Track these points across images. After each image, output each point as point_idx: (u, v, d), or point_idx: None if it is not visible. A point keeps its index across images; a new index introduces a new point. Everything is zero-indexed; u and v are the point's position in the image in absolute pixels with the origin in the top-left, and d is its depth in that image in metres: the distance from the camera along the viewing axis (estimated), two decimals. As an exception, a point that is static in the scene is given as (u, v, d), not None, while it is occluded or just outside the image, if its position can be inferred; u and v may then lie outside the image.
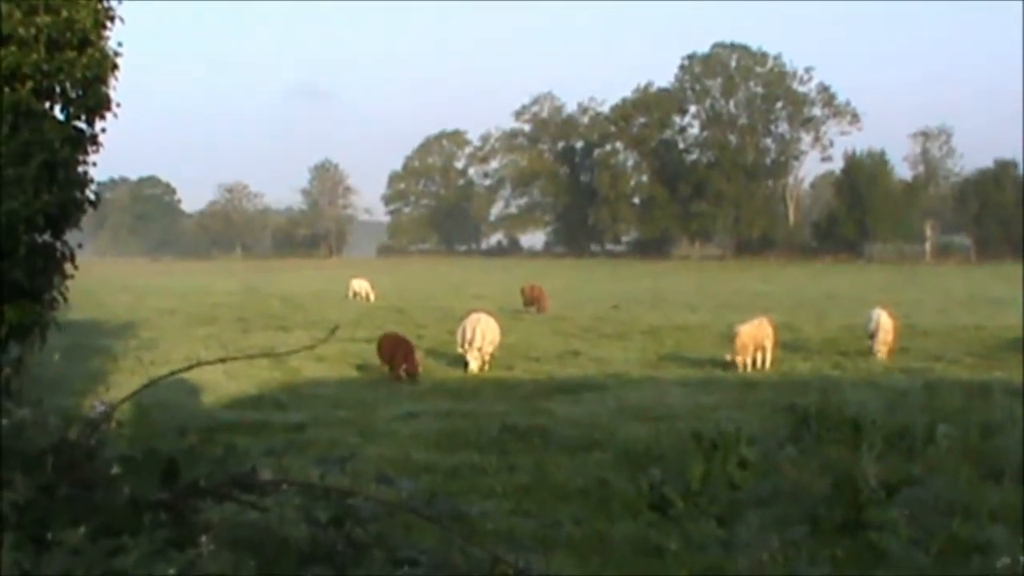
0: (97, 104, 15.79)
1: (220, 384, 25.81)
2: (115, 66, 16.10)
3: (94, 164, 16.26)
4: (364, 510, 5.61)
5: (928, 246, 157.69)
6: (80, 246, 16.61)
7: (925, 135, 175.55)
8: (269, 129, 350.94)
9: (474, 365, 30.63)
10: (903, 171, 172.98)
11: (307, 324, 45.65)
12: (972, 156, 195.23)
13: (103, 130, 16.09)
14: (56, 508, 5.01)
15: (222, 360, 7.05)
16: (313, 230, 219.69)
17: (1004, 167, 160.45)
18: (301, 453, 16.07)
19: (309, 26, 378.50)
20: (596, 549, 12.03)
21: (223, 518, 5.15)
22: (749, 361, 30.99)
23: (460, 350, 31.07)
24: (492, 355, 32.28)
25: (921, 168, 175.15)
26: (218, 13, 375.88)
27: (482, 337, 31.34)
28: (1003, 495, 13.57)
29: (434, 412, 22.72)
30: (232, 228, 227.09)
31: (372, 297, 66.97)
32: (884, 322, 33.91)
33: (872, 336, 33.60)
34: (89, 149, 16.01)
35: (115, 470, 5.62)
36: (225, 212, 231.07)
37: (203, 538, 4.57)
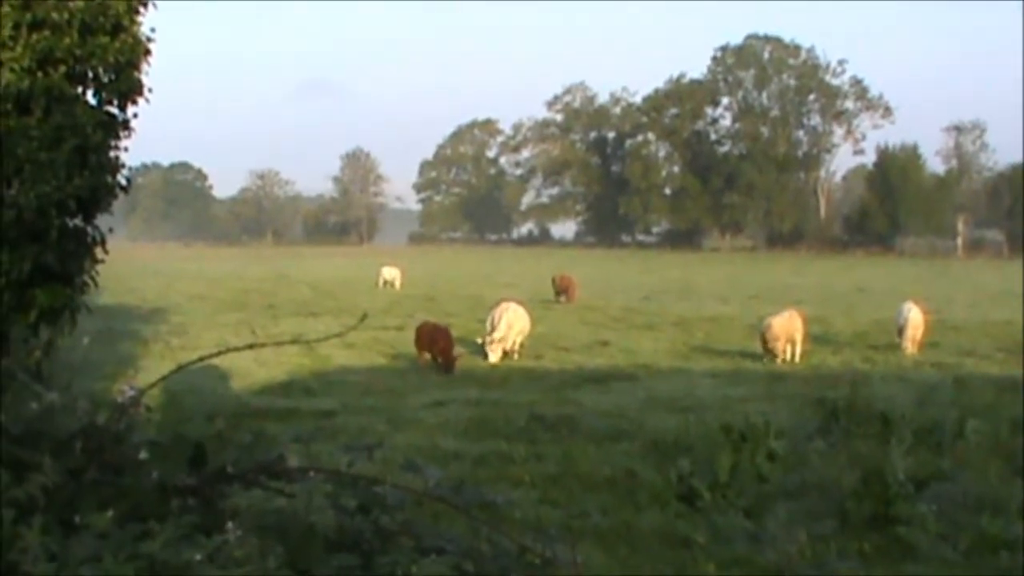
0: (129, 89, 15.84)
1: (250, 370, 25.87)
2: (148, 51, 16.14)
3: (126, 149, 16.31)
4: (391, 498, 5.63)
5: (960, 241, 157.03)
6: (111, 230, 16.66)
7: (958, 129, 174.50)
8: (301, 118, 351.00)
9: (492, 356, 30.47)
10: (935, 165, 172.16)
11: (337, 311, 45.71)
12: (1005, 151, 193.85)
13: (135, 115, 16.14)
14: (84, 492, 5.04)
15: (251, 347, 7.07)
16: (344, 217, 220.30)
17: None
18: (330, 440, 16.06)
19: (342, 15, 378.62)
20: (623, 539, 12.01)
21: (250, 504, 5.17)
22: (779, 353, 30.91)
23: (480, 339, 30.95)
24: (522, 344, 32.26)
25: (954, 162, 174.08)
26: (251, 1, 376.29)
27: (508, 327, 31.28)
28: (1033, 491, 13.50)
29: (463, 400, 22.72)
30: (263, 215, 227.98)
31: (398, 285, 66.99)
32: (914, 317, 33.71)
33: (900, 331, 33.45)
34: (121, 134, 16.05)
35: (143, 455, 5.65)
36: (256, 199, 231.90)
37: (230, 524, 4.59)
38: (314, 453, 11.79)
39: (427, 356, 28.94)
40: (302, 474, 5.41)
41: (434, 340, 28.93)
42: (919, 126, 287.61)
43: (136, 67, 15.85)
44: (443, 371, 27.85)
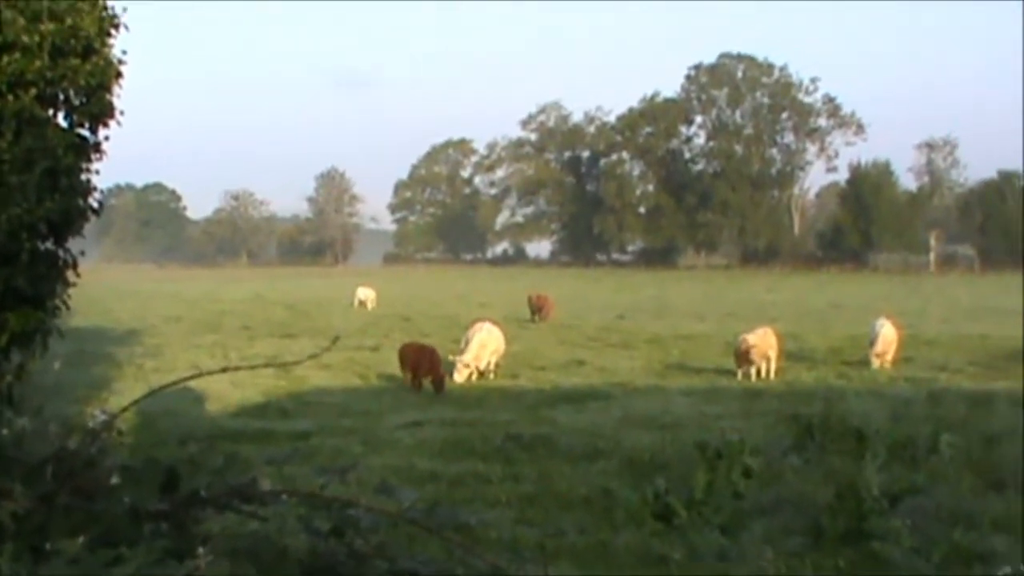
0: (101, 112, 15.76)
1: (226, 392, 25.78)
2: (119, 74, 16.07)
3: (97, 172, 16.24)
4: (365, 520, 5.61)
5: (932, 256, 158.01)
6: (83, 253, 16.58)
7: (930, 146, 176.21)
8: (274, 137, 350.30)
9: (458, 377, 30.29)
10: (908, 181, 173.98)
11: (312, 332, 45.65)
12: (976, 167, 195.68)
13: (107, 138, 16.07)
14: (55, 517, 5.01)
15: (224, 370, 7.06)
16: (319, 238, 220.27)
17: (1008, 178, 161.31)
18: (305, 462, 16.00)
19: (316, 37, 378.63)
20: (599, 558, 12.00)
21: (224, 528, 5.16)
22: (753, 371, 31.02)
23: (451, 357, 30.81)
24: (498, 364, 32.29)
25: (926, 179, 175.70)
26: (225, 20, 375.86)
27: (480, 347, 31.30)
28: (1005, 504, 13.57)
29: (439, 421, 22.66)
30: (238, 235, 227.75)
31: (372, 305, 67.08)
32: (887, 332, 33.92)
33: (871, 345, 33.65)
34: (92, 156, 15.97)
35: (115, 480, 5.62)
36: (231, 219, 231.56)
37: (201, 549, 4.57)
38: (289, 475, 11.78)
39: (412, 377, 28.84)
40: (275, 497, 5.39)
41: (420, 361, 28.83)
42: (891, 143, 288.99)
43: (107, 89, 15.79)
44: (434, 391, 27.78)
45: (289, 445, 19.42)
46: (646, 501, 13.68)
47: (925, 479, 15.04)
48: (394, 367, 30.22)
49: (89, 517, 5.02)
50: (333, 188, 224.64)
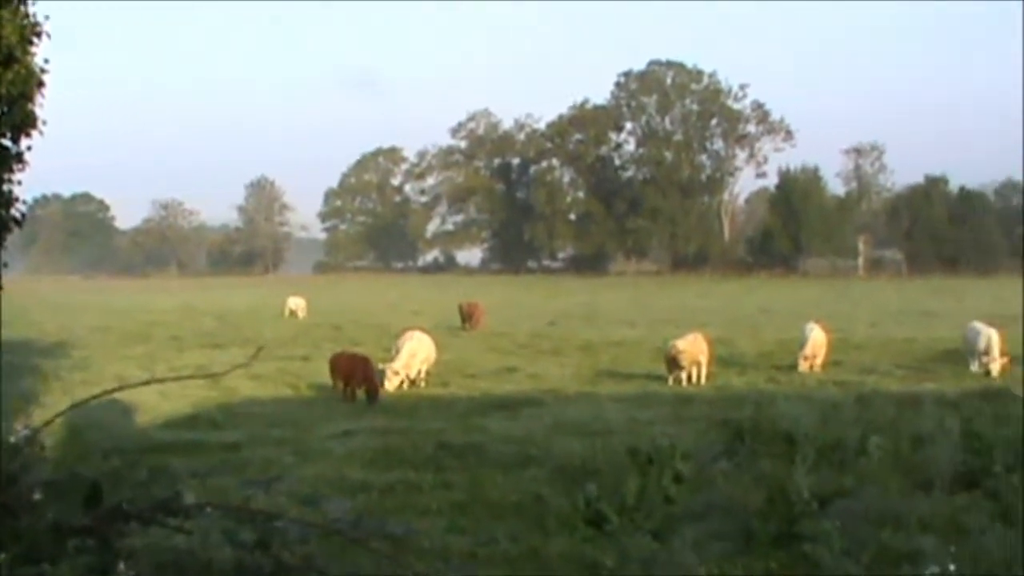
0: (23, 122, 15.55)
1: (155, 404, 25.54)
2: (41, 83, 15.88)
3: (19, 182, 16.02)
4: (293, 532, 5.57)
5: (861, 260, 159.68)
6: (6, 265, 16.36)
7: (858, 151, 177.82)
8: (204, 146, 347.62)
9: (388, 385, 30.19)
10: (836, 187, 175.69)
11: (242, 342, 45.36)
12: (904, 172, 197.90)
13: (29, 148, 15.86)
14: (-25, 534, 4.92)
15: (147, 382, 6.99)
16: (249, 247, 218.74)
17: (934, 183, 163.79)
18: (235, 474, 15.90)
19: (243, 44, 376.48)
20: (531, 565, 12.00)
21: (148, 542, 5.09)
22: (684, 376, 31.16)
23: (380, 366, 30.64)
24: (428, 372, 32.24)
25: (854, 184, 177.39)
26: (151, 24, 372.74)
27: (411, 356, 31.28)
28: (932, 504, 13.72)
29: (370, 430, 22.61)
30: (167, 245, 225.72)
31: (302, 315, 66.91)
32: (816, 336, 34.23)
33: (801, 349, 33.96)
34: (15, 167, 15.77)
35: (38, 495, 5.54)
36: (160, 229, 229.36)
37: (122, 565, 4.50)
38: (214, 488, 11.68)
39: (344, 386, 28.67)
40: (199, 510, 5.33)
41: (353, 370, 28.65)
42: (820, 149, 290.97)
43: (29, 99, 15.57)
44: (367, 401, 27.63)
45: (219, 457, 19.30)
46: (577, 507, 13.70)
47: (854, 481, 15.16)
48: (325, 376, 30.07)
49: (11, 534, 4.94)
50: (263, 197, 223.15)
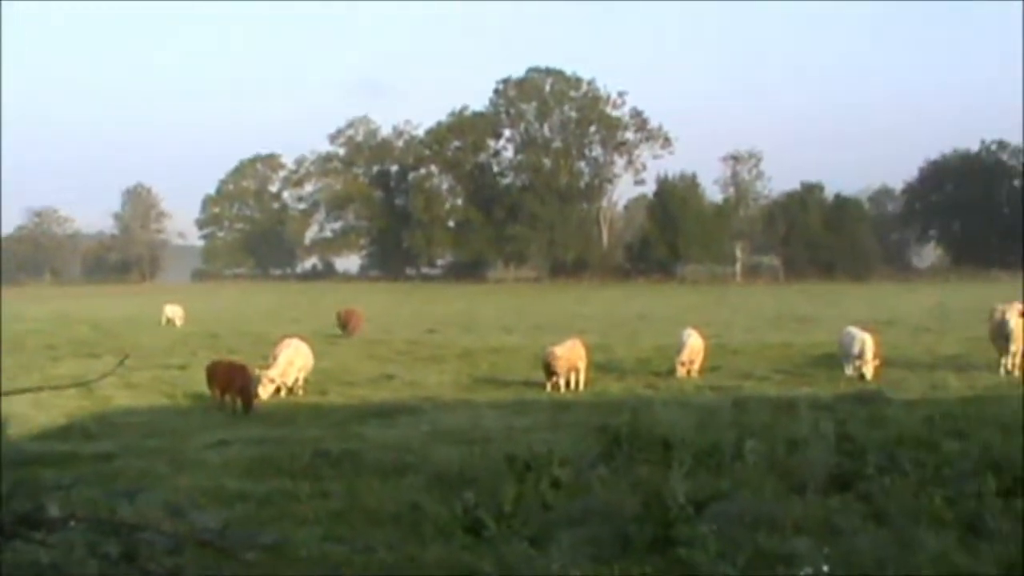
0: None
1: (27, 415, 24.97)
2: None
3: None
4: (160, 543, 5.45)
5: (738, 267, 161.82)
6: None
7: (735, 159, 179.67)
8: (78, 153, 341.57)
9: (263, 393, 29.88)
10: (714, 194, 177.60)
11: (118, 351, 44.56)
12: (780, 179, 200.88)
13: None
14: None
15: (9, 393, 6.81)
16: (125, 255, 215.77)
17: (810, 190, 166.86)
18: (105, 485, 15.60)
19: (122, 48, 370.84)
20: (409, 573, 11.92)
21: (12, 556, 4.94)
22: (562, 383, 31.26)
23: (257, 372, 30.31)
24: (306, 380, 32.00)
25: (731, 191, 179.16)
26: (29, 31, 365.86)
27: (288, 364, 31.07)
28: (807, 507, 13.86)
29: (246, 439, 22.34)
30: (41, 253, 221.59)
31: (179, 323, 66.28)
32: (693, 342, 34.55)
33: (678, 354, 34.27)
34: None
35: None
36: (33, 236, 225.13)
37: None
38: (85, 499, 11.44)
39: (221, 395, 28.30)
40: (63, 523, 5.20)
41: (230, 379, 28.29)
42: (697, 156, 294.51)
43: None
44: (242, 411, 27.29)
45: (92, 468, 18.95)
46: (455, 515, 13.65)
47: (730, 485, 15.25)
48: (202, 385, 29.71)
49: None
50: (140, 204, 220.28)
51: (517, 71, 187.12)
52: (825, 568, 11.12)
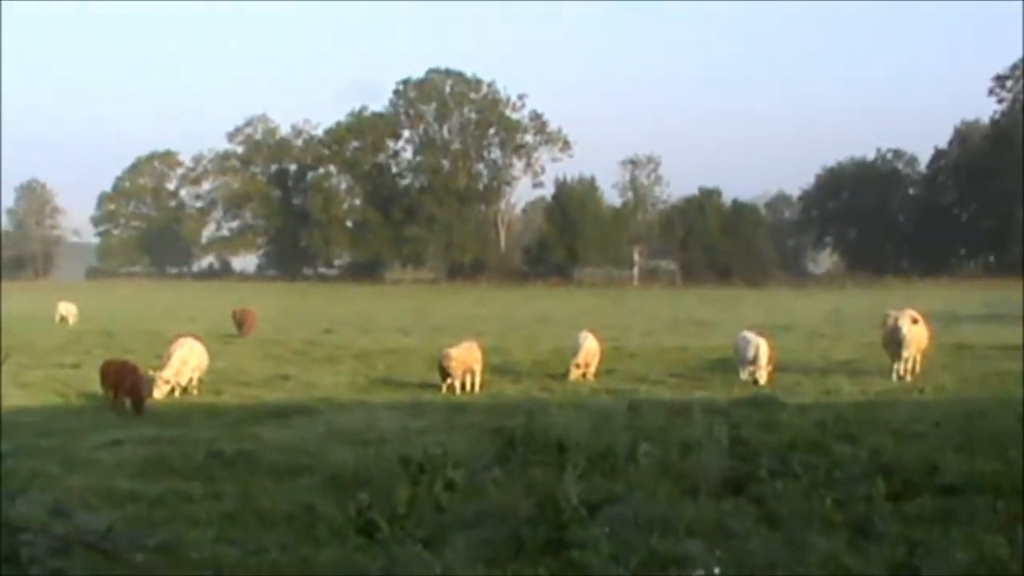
0: None
1: (-88, 416, 24.54)
2: None
3: None
4: (42, 545, 5.37)
5: (636, 271, 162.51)
6: None
7: (633, 163, 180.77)
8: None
9: (157, 393, 29.57)
10: (612, 197, 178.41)
11: (10, 349, 43.88)
12: (678, 184, 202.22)
13: None
14: None
15: None
16: (18, 252, 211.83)
17: (708, 195, 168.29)
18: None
19: (16, 43, 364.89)
20: (301, 575, 11.87)
21: None
22: (458, 384, 31.30)
23: (151, 373, 29.98)
24: (201, 380, 31.73)
25: (629, 195, 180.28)
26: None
27: (182, 363, 30.79)
28: (699, 510, 13.94)
29: (140, 439, 22.11)
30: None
31: (73, 321, 65.35)
32: (589, 345, 34.74)
33: (573, 357, 34.44)
34: None
35: None
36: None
37: None
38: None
39: (113, 395, 27.95)
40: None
41: (122, 378, 27.95)
42: (596, 160, 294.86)
43: None
44: (133, 412, 26.95)
45: (-20, 468, 18.63)
46: (349, 516, 13.62)
47: (623, 488, 15.31)
48: (96, 384, 29.34)
49: None
50: (33, 200, 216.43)
51: (417, 72, 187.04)
52: (717, 570, 11.24)
